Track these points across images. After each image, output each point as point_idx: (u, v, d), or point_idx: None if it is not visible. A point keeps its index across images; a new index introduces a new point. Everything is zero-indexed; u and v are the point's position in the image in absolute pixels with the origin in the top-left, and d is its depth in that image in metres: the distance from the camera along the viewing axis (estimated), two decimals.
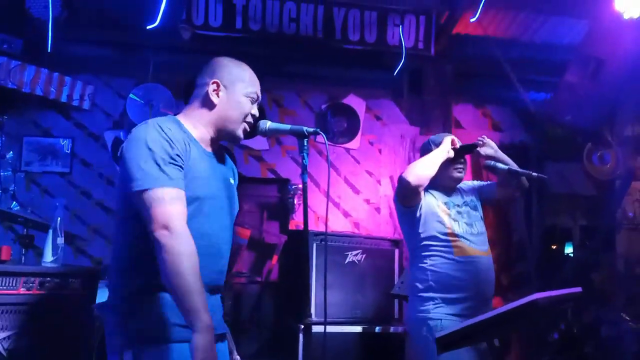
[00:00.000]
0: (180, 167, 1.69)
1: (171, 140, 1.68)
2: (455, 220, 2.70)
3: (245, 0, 4.42)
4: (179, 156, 1.69)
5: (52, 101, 4.29)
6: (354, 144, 4.92)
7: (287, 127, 1.92)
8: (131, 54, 4.55)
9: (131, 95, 4.36)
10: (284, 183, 4.77)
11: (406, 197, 2.68)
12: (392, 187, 4.85)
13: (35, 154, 4.51)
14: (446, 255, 2.64)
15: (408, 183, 2.58)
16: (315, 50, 4.67)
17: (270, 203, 4.83)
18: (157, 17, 3.71)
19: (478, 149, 2.80)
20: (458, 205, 2.77)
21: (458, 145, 2.74)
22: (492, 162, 2.81)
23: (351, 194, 4.93)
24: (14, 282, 2.18)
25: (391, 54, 4.65)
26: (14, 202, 4.45)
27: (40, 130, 4.54)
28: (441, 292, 2.61)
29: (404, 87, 5.01)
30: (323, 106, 4.92)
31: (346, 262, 3.88)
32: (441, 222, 2.67)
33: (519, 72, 4.80)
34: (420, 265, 2.69)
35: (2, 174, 4.40)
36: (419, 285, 2.68)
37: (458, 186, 2.85)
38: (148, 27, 3.71)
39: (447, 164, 2.72)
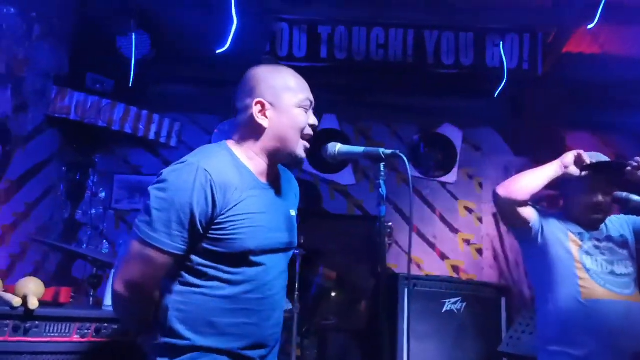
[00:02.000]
0: (199, 232, 1.46)
1: (211, 198, 1.45)
2: (589, 254, 2.17)
3: (331, 29, 4.23)
4: (206, 218, 1.45)
5: (141, 139, 4.30)
6: (451, 177, 4.46)
7: (361, 149, 1.58)
8: (216, 90, 4.48)
9: (217, 131, 4.28)
10: (373, 221, 4.39)
11: (502, 214, 2.27)
12: (496, 225, 4.30)
13: (124, 191, 4.54)
14: (572, 296, 2.12)
15: (496, 196, 2.18)
16: (406, 77, 4.32)
17: (359, 243, 4.46)
18: (227, 41, 3.58)
19: (628, 169, 2.10)
20: (597, 239, 2.22)
21: (588, 161, 2.15)
22: (625, 194, 2.24)
23: (448, 233, 4.44)
24: (67, 328, 2.00)
25: (490, 78, 4.18)
26: (105, 241, 4.50)
27: (130, 168, 4.57)
28: (565, 344, 2.10)
29: (507, 114, 4.49)
30: (415, 137, 4.53)
31: (443, 310, 3.49)
32: (568, 253, 2.17)
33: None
34: (544, 308, 2.22)
35: (93, 212, 4.46)
36: (542, 336, 2.23)
37: (601, 217, 2.27)
38: (218, 52, 3.60)
39: (581, 188, 2.20)
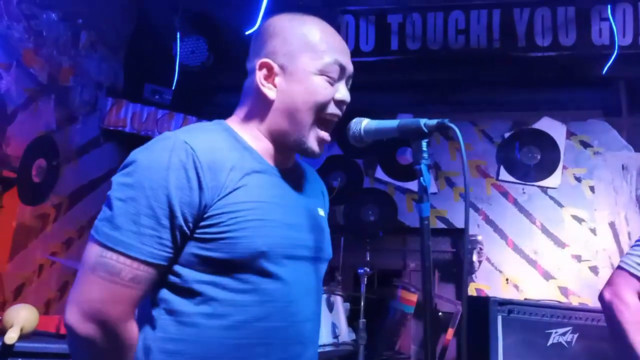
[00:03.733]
0: (185, 232, 1.01)
1: (195, 179, 1.00)
2: None
3: (402, 17, 3.75)
4: (192, 215, 1.01)
5: None
6: (553, 181, 3.75)
7: (394, 123, 1.08)
8: None
9: None
10: (458, 234, 3.79)
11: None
12: (614, 237, 3.52)
13: None
14: None
15: (602, 299, 1.73)
16: (492, 66, 3.71)
17: (443, 260, 3.87)
18: (257, 20, 3.23)
19: None
20: None
21: None
22: None
23: (553, 247, 3.71)
24: None
25: (598, 59, 3.46)
26: None
27: None
28: None
29: (622, 102, 3.71)
30: (506, 135, 3.87)
31: (549, 343, 2.91)
32: None
33: None
34: None
35: None
36: None
37: None
38: (247, 33, 3.25)
39: None
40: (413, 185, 3.91)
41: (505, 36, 3.58)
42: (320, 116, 1.13)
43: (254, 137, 1.14)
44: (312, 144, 1.13)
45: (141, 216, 0.98)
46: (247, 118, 1.16)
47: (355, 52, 3.74)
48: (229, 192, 1.02)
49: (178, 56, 3.79)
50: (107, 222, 0.99)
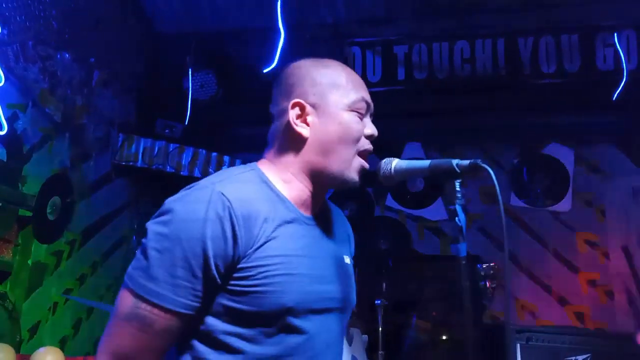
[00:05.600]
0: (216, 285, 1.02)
1: (230, 231, 1.01)
2: None
3: (408, 48, 3.80)
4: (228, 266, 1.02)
5: None
6: (564, 205, 3.75)
7: (426, 163, 1.11)
8: None
9: None
10: (473, 261, 3.76)
11: None
12: (627, 261, 3.50)
13: None
14: None
15: None
16: (498, 93, 3.73)
17: (457, 287, 3.83)
18: (274, 59, 3.28)
19: None
20: None
21: None
22: None
23: (567, 272, 3.69)
24: None
25: (604, 84, 3.49)
26: None
27: None
28: None
29: (630, 126, 3.73)
30: (515, 161, 3.89)
31: None
32: None
33: None
34: None
35: None
36: None
37: None
38: (265, 71, 3.30)
39: None
40: (425, 213, 3.91)
41: (510, 63, 3.62)
42: (355, 148, 1.16)
43: (286, 181, 1.15)
44: (353, 175, 1.16)
45: (177, 268, 0.99)
46: (279, 160, 1.18)
47: None
48: (261, 245, 1.03)
49: (190, 91, 3.83)
50: (143, 271, 1.00)
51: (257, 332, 1.03)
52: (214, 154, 4.01)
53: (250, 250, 1.02)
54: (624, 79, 3.30)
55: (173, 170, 3.82)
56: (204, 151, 3.98)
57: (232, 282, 1.02)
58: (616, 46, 3.40)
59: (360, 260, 3.69)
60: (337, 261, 1.19)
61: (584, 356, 2.87)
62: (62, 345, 3.02)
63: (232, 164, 4.12)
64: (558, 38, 3.59)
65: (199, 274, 0.99)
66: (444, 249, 3.87)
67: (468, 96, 3.79)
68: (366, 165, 1.18)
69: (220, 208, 1.00)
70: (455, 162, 1.04)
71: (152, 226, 1.04)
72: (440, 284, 3.77)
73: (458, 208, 1.02)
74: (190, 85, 3.84)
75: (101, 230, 3.46)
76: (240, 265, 1.01)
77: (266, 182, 1.13)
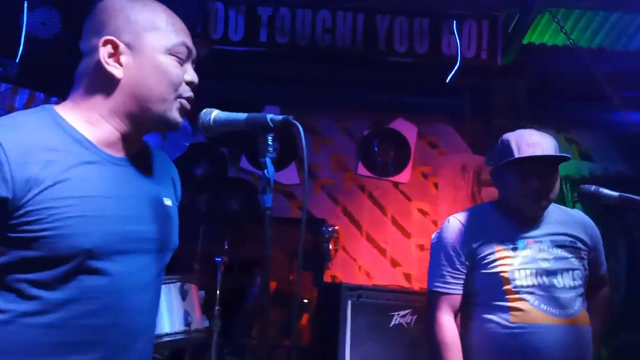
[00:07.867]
0: None
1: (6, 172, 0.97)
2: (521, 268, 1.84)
3: (272, 10, 3.79)
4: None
5: None
6: (404, 176, 4.08)
7: (243, 116, 1.14)
8: None
9: None
10: (318, 224, 3.95)
11: None
12: None
13: None
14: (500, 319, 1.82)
15: None
16: (355, 66, 3.91)
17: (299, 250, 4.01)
18: None
19: None
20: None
21: None
22: (594, 187, 1.85)
23: (400, 238, 4.05)
24: None
25: (446, 68, 3.81)
26: None
27: None
28: None
29: (466, 109, 4.13)
30: (365, 132, 4.12)
31: (391, 324, 3.13)
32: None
33: (611, 88, 3.81)
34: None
35: None
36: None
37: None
38: None
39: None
40: (278, 177, 4.00)
41: (367, 39, 3.79)
42: (175, 93, 1.14)
43: (90, 123, 1.11)
44: (175, 114, 1.15)
45: None
46: (85, 101, 1.12)
47: (223, 41, 3.72)
48: (48, 187, 0.99)
49: (24, 26, 3.47)
50: None
51: (52, 277, 1.00)
52: (54, 99, 3.71)
53: (32, 194, 0.98)
54: (457, 64, 3.62)
55: (4, 113, 3.47)
56: (41, 95, 3.66)
57: (19, 228, 0.98)
58: (454, 34, 3.70)
59: (209, 220, 3.69)
60: (154, 202, 1.19)
61: (405, 312, 3.18)
62: None
63: None
64: (412, 20, 3.83)
65: None
66: (295, 212, 4.02)
67: (327, 66, 3.91)
68: (187, 105, 1.18)
69: None
70: (269, 117, 1.09)
71: None
72: (286, 246, 3.93)
73: (268, 161, 1.07)
74: (24, 20, 3.48)
75: None
76: (24, 210, 0.98)
77: (60, 124, 1.07)
